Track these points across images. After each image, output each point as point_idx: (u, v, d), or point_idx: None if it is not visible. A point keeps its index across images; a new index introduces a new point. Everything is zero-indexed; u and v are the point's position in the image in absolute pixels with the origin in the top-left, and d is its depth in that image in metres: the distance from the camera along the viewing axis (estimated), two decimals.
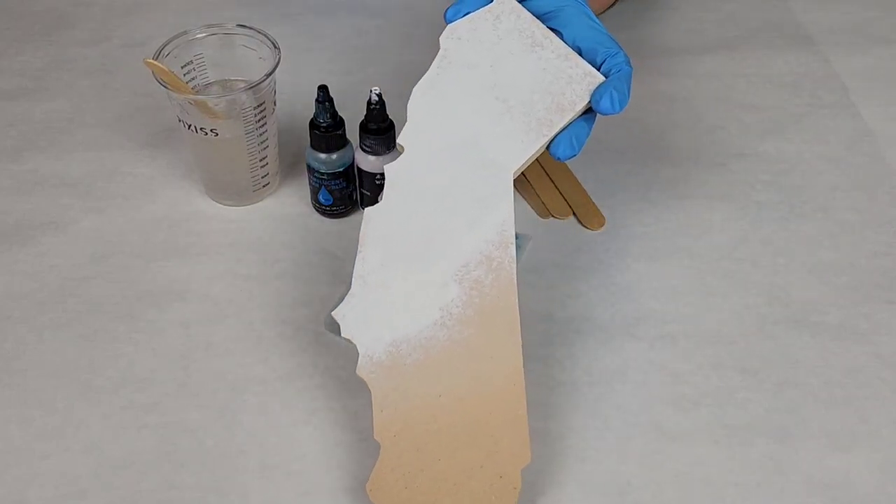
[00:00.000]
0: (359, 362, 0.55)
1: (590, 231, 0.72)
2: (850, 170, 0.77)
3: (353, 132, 0.69)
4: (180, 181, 0.75)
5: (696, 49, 0.87)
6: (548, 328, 0.65)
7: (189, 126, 0.68)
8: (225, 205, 0.74)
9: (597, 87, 0.58)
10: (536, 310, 0.66)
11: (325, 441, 0.59)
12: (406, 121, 0.59)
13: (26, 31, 0.90)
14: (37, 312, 0.66)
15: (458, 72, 0.59)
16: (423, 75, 0.71)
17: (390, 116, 0.67)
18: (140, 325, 0.65)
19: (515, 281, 0.56)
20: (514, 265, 0.56)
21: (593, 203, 0.73)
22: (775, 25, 0.91)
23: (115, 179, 0.76)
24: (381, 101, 0.66)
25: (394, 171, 0.58)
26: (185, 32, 0.70)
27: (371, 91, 0.66)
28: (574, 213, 0.73)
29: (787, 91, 0.84)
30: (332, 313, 0.57)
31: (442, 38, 0.60)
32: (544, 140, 0.58)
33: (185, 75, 0.70)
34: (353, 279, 0.56)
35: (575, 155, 0.58)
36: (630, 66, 0.58)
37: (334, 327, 0.65)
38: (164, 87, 0.65)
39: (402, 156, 0.58)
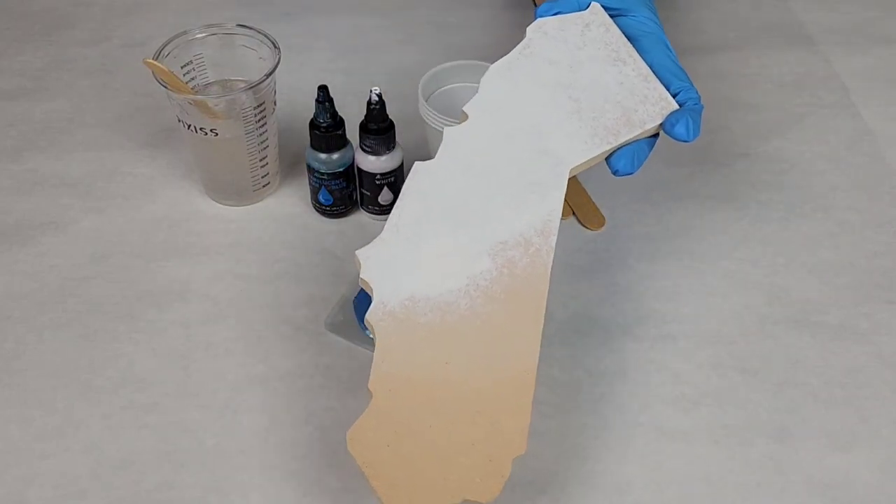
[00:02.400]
0: (371, 307, 0.53)
1: (590, 231, 0.72)
2: (851, 170, 0.77)
3: (353, 132, 0.69)
4: (180, 181, 0.75)
5: (697, 49, 0.87)
6: (548, 328, 0.65)
7: (189, 126, 0.68)
8: (225, 205, 0.74)
9: (672, 113, 0.59)
10: None
11: (325, 441, 0.59)
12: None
13: (26, 31, 0.90)
14: (37, 312, 0.66)
15: (537, 63, 0.60)
16: (423, 75, 0.71)
17: (390, 116, 0.67)
18: (140, 325, 0.65)
19: (550, 272, 0.55)
20: (552, 256, 0.55)
21: (593, 203, 0.73)
22: (776, 25, 0.91)
23: (115, 179, 0.76)
24: (381, 101, 0.66)
25: (453, 135, 0.58)
26: (184, 32, 0.70)
27: (371, 91, 0.66)
28: (574, 213, 0.73)
29: (788, 91, 0.84)
30: (357, 252, 0.55)
31: (529, 29, 0.61)
32: (607, 148, 0.58)
33: (184, 75, 0.70)
34: (385, 226, 0.55)
35: (632, 173, 0.59)
36: (702, 105, 0.60)
37: (335, 327, 0.65)
38: (164, 87, 0.65)
39: (465, 123, 0.58)
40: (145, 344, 0.64)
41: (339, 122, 0.68)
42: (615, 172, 0.59)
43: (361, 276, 0.55)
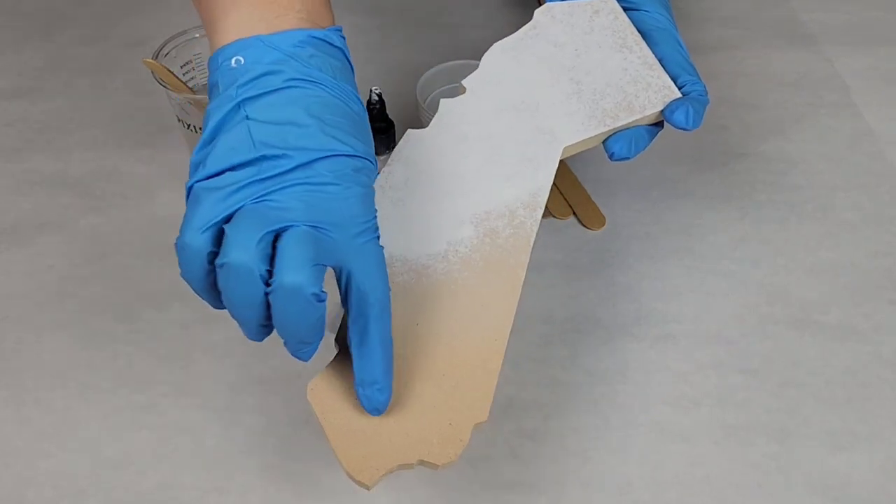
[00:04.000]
0: None
1: (590, 231, 0.72)
2: (851, 170, 0.77)
3: None
4: (180, 181, 0.75)
5: (697, 49, 0.87)
6: (548, 328, 0.65)
7: (188, 126, 0.68)
8: None
9: (674, 100, 0.59)
10: (536, 310, 0.66)
11: (324, 441, 0.59)
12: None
13: (25, 30, 0.90)
14: (35, 312, 0.66)
15: (542, 45, 0.60)
16: (423, 75, 0.71)
17: (390, 116, 0.67)
18: (140, 325, 0.65)
19: (532, 244, 0.55)
20: (536, 229, 0.55)
21: (593, 203, 0.73)
22: (776, 25, 0.91)
23: (114, 179, 0.76)
24: (381, 101, 0.66)
25: (448, 106, 0.58)
26: (184, 32, 0.70)
27: (371, 91, 0.66)
28: (574, 213, 0.73)
29: (788, 91, 0.84)
30: None
31: (537, 12, 0.61)
32: (604, 130, 0.58)
33: (184, 75, 0.69)
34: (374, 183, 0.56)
35: (629, 158, 0.58)
36: (708, 99, 0.60)
37: (335, 327, 0.65)
38: (164, 86, 0.65)
39: (461, 95, 0.58)
40: (145, 344, 0.64)
41: None
42: (611, 156, 0.58)
43: None
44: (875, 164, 0.77)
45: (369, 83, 0.66)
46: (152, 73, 0.65)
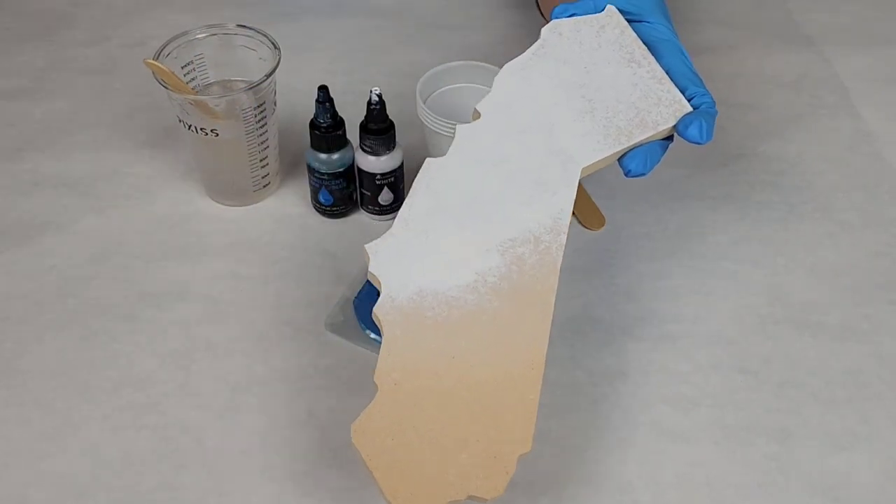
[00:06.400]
0: (379, 301, 0.53)
1: (590, 231, 0.72)
2: (850, 170, 0.77)
3: (353, 132, 0.69)
4: (180, 181, 0.75)
5: (696, 50, 0.87)
6: None
7: (189, 126, 0.68)
8: (225, 205, 0.74)
9: (686, 115, 0.59)
10: None
11: (325, 441, 0.59)
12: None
13: (26, 30, 0.90)
14: (36, 313, 0.66)
15: (551, 64, 0.60)
16: (423, 75, 0.71)
17: (390, 117, 0.67)
18: (140, 325, 0.65)
19: (559, 269, 0.55)
20: (561, 253, 0.55)
21: (593, 203, 0.73)
22: (775, 25, 0.91)
23: (115, 179, 0.76)
24: (381, 102, 0.66)
25: (465, 133, 0.58)
26: (185, 33, 0.70)
27: (371, 91, 0.66)
28: (574, 214, 0.73)
29: (787, 91, 0.84)
30: (366, 246, 0.55)
31: (544, 30, 0.61)
32: (619, 149, 0.58)
33: (185, 75, 0.70)
34: (395, 221, 0.55)
35: (644, 174, 0.59)
36: (717, 110, 0.60)
37: (335, 327, 0.65)
38: (165, 87, 0.65)
39: (477, 121, 0.58)
40: (145, 344, 0.64)
41: (339, 123, 0.68)
42: (627, 173, 0.59)
43: (370, 269, 0.55)
44: (874, 165, 0.77)
45: (369, 83, 0.66)
46: (153, 73, 0.65)
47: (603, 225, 0.72)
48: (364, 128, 0.67)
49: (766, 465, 0.58)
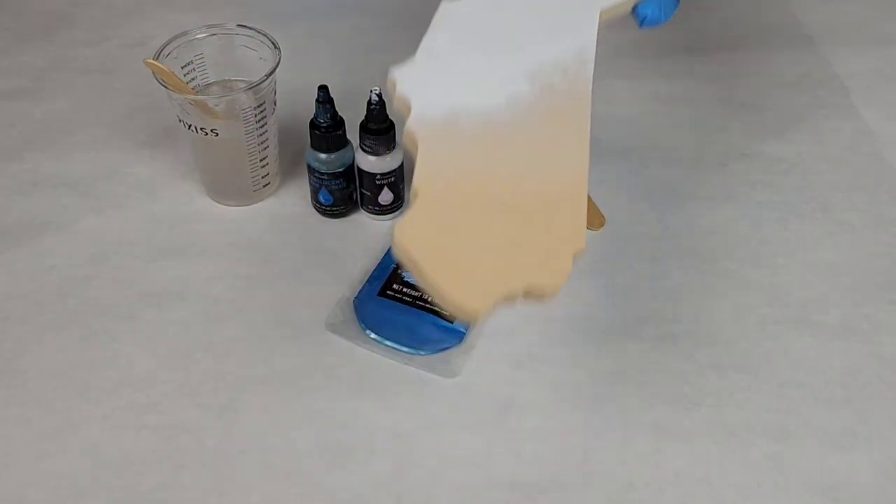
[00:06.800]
0: (410, 117, 0.52)
1: (590, 231, 0.72)
2: (850, 170, 0.77)
3: (353, 132, 0.69)
4: (180, 181, 0.75)
5: (697, 49, 0.87)
6: (548, 328, 0.65)
7: (189, 126, 0.68)
8: (225, 205, 0.74)
9: None
10: (536, 310, 0.66)
11: (325, 441, 0.59)
12: None
13: (26, 31, 0.90)
14: (36, 313, 0.66)
15: None
16: None
17: (390, 116, 0.67)
18: (140, 325, 0.65)
19: (590, 97, 0.54)
20: (591, 83, 0.54)
21: (593, 203, 0.73)
22: (775, 25, 0.91)
23: (115, 179, 0.76)
24: (381, 102, 0.66)
25: None
26: (185, 32, 0.70)
27: (371, 91, 0.66)
28: None
29: (788, 91, 0.84)
30: (391, 69, 0.53)
31: None
32: None
33: (185, 75, 0.70)
34: (417, 51, 0.54)
35: (660, 23, 0.59)
36: None
37: (335, 327, 0.65)
38: (165, 87, 0.65)
39: None
40: (145, 344, 0.64)
41: (339, 122, 0.68)
42: (643, 21, 0.59)
43: (398, 92, 0.53)
44: (874, 165, 0.77)
45: (369, 84, 0.66)
46: (153, 73, 0.65)
47: (603, 225, 0.72)
48: (364, 128, 0.67)
49: (766, 465, 0.58)
